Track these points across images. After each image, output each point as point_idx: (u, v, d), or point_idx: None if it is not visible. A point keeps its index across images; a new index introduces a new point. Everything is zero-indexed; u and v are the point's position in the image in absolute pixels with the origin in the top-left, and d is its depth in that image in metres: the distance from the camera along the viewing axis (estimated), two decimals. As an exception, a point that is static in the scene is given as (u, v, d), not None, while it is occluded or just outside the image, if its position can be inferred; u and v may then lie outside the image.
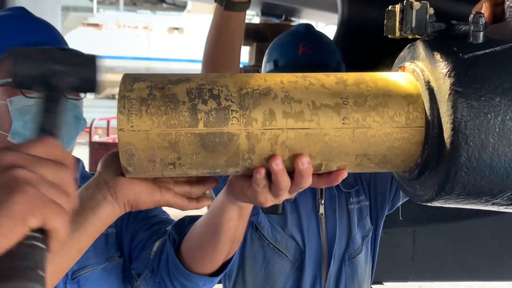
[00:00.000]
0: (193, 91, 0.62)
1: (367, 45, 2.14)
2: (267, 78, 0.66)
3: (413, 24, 0.67)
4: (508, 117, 0.60)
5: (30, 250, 0.46)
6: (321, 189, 1.42)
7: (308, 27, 1.57)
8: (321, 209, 1.41)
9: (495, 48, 0.63)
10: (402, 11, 0.67)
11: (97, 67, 0.64)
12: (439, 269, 2.60)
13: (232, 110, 0.62)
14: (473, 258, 2.60)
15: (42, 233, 0.47)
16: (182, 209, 0.72)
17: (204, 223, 0.87)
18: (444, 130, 0.62)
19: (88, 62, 0.64)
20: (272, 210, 1.25)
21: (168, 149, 0.62)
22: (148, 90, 0.62)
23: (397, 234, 2.49)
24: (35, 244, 0.46)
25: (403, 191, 0.76)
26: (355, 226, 1.42)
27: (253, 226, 1.39)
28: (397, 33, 0.69)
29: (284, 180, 0.65)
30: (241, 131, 0.62)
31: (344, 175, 0.67)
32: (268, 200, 0.68)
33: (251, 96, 0.63)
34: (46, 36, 1.00)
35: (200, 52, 1.32)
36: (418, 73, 0.67)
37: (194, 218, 0.95)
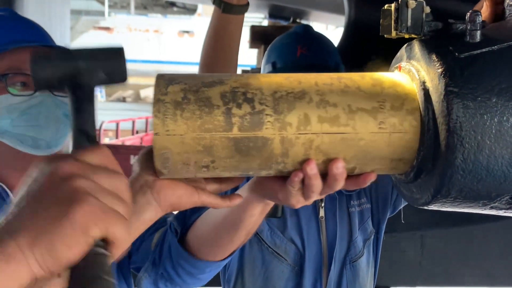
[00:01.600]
0: (227, 95, 0.62)
1: (374, 46, 2.12)
2: (302, 80, 0.65)
3: (409, 23, 0.65)
4: (505, 118, 0.58)
5: (97, 259, 0.47)
6: (321, 192, 1.40)
7: (306, 28, 1.54)
8: (321, 212, 1.39)
9: (493, 47, 0.61)
10: (397, 10, 0.66)
11: (123, 57, 0.61)
12: (448, 274, 2.57)
13: (266, 115, 0.61)
14: (483, 263, 2.57)
15: (104, 241, 0.48)
16: (217, 207, 0.73)
17: (221, 215, 0.87)
18: (439, 131, 0.60)
19: (114, 55, 0.61)
20: (272, 213, 1.23)
21: (203, 152, 0.62)
22: (182, 93, 0.62)
23: (405, 239, 2.47)
24: (100, 252, 0.47)
25: (400, 194, 0.75)
26: (356, 229, 1.40)
27: (252, 229, 1.38)
28: (393, 33, 0.67)
29: (317, 183, 0.65)
30: (275, 135, 0.61)
31: (373, 177, 0.66)
32: (300, 202, 0.69)
33: (286, 100, 0.62)
34: (32, 35, 1.00)
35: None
36: (414, 73, 0.66)
37: (195, 210, 0.95)
